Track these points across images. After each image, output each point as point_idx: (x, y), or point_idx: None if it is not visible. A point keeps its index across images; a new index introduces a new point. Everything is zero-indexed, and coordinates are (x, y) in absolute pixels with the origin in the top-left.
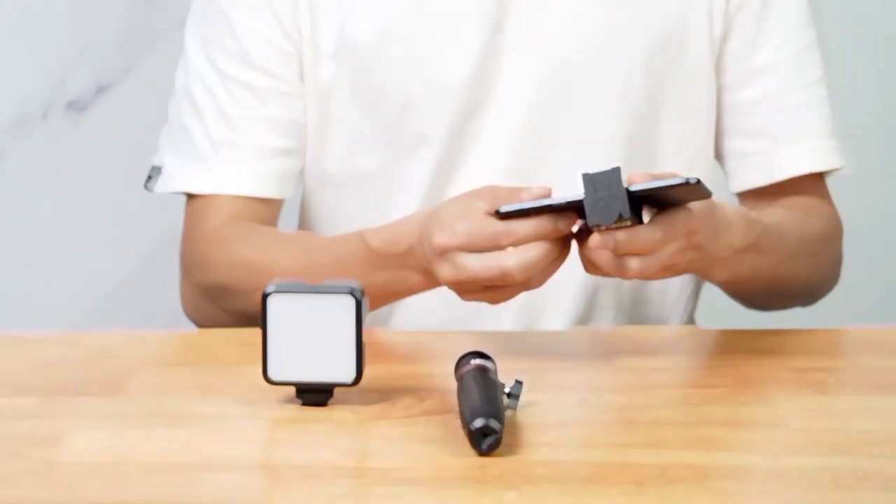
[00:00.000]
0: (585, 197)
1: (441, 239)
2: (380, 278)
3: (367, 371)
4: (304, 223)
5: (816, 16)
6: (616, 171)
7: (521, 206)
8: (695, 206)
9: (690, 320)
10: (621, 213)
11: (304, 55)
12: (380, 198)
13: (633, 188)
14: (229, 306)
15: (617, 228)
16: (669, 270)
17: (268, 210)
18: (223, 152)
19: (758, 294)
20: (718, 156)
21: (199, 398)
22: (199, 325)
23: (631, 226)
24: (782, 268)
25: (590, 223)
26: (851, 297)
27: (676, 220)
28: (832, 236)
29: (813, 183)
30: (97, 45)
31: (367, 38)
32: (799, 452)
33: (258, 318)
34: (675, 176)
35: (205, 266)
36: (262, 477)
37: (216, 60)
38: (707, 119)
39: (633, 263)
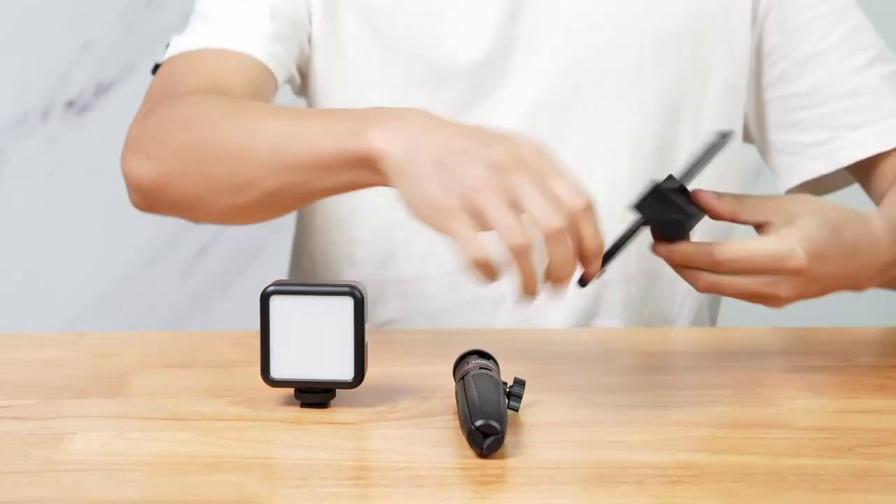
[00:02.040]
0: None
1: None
2: (340, 129)
3: (368, 371)
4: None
5: None
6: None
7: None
8: (807, 236)
9: (697, 321)
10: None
11: (319, 19)
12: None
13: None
14: (182, 137)
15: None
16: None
17: (265, 82)
18: (233, 15)
19: None
20: (767, 153)
21: (199, 398)
22: (132, 173)
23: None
24: None
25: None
26: (851, 298)
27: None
28: None
29: None
30: (97, 45)
31: (385, 7)
32: (799, 452)
33: (209, 148)
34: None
35: (172, 106)
36: (262, 477)
37: None
38: (723, 115)
39: (707, 279)
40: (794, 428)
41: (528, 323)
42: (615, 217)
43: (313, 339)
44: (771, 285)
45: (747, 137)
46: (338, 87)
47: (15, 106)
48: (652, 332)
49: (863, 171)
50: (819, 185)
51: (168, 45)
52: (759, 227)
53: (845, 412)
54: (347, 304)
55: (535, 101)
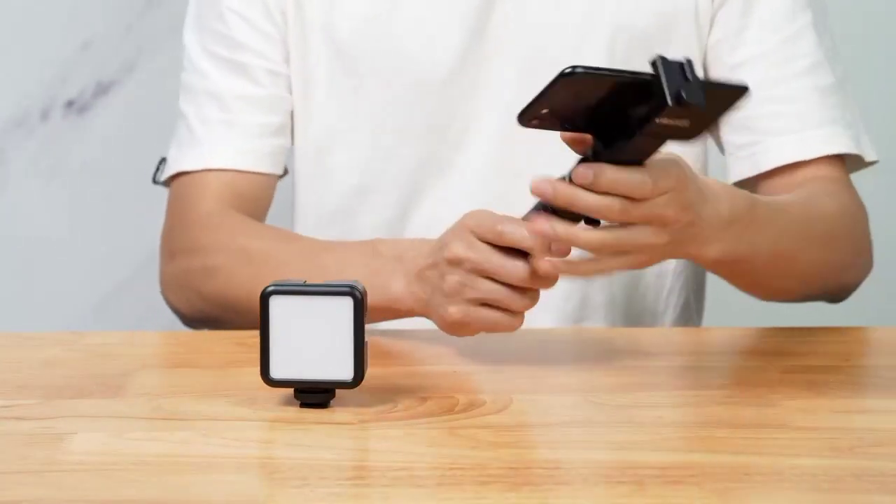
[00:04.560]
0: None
1: (459, 250)
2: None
3: (368, 371)
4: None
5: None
6: (689, 62)
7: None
8: (680, 160)
9: (685, 315)
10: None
11: (291, 46)
12: (352, 196)
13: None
14: (214, 291)
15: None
16: (658, 229)
17: (261, 186)
18: (216, 132)
19: (765, 277)
20: (721, 150)
21: (198, 398)
22: (179, 311)
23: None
24: (786, 245)
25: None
26: (851, 297)
27: (668, 168)
28: (849, 218)
29: (825, 170)
30: (97, 45)
31: (351, 32)
32: (799, 452)
33: (242, 308)
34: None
35: (195, 251)
36: (262, 477)
37: (207, 44)
38: None
39: (616, 205)
40: (793, 428)
41: None
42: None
43: (313, 339)
44: (668, 208)
45: None
46: (313, 114)
47: (15, 106)
48: (651, 332)
49: (775, 180)
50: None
51: (163, 160)
52: None
53: (845, 412)
54: (347, 303)
55: (510, 107)
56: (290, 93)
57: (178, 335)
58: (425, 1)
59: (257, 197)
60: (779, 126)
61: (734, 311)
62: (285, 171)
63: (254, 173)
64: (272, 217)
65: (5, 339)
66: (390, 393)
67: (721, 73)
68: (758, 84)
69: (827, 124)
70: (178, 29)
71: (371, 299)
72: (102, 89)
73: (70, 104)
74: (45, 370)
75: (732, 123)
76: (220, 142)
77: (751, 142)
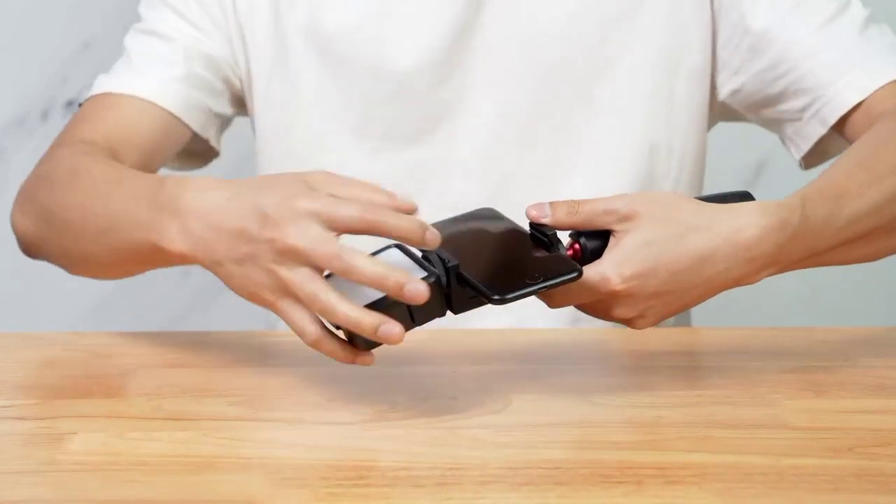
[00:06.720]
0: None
1: (311, 203)
2: (145, 220)
3: (367, 371)
4: None
5: None
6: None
7: None
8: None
9: (684, 314)
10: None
11: (263, 49)
12: None
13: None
14: (39, 205)
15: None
16: (644, 318)
17: (172, 129)
18: (150, 59)
19: (852, 256)
20: (773, 126)
21: (199, 398)
22: (14, 227)
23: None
24: (861, 222)
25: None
26: (851, 297)
27: (581, 286)
28: None
29: (891, 99)
30: (97, 44)
31: (338, 34)
32: (799, 452)
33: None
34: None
35: (43, 162)
36: (262, 477)
37: (156, 12)
38: (694, 102)
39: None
40: (794, 428)
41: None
42: None
43: None
44: (604, 306)
45: (732, 117)
46: (297, 118)
47: (15, 106)
48: (651, 333)
49: (850, 127)
50: (833, 149)
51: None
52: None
53: (845, 412)
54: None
55: (499, 111)
56: (240, 78)
57: (177, 335)
58: (413, 3)
59: (163, 134)
60: (828, 76)
61: (733, 311)
62: (215, 154)
63: (170, 113)
64: None
65: (5, 339)
66: (390, 393)
67: (752, 47)
68: (787, 47)
69: (872, 55)
70: None
71: (143, 236)
72: None
73: (70, 104)
74: (45, 370)
75: (786, 92)
76: (150, 69)
77: (809, 102)
